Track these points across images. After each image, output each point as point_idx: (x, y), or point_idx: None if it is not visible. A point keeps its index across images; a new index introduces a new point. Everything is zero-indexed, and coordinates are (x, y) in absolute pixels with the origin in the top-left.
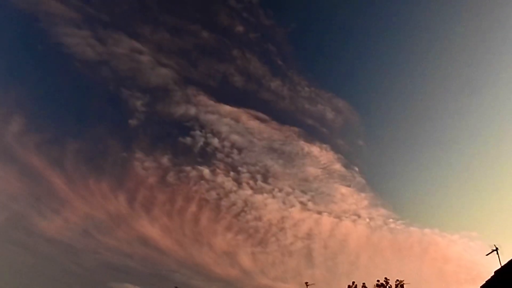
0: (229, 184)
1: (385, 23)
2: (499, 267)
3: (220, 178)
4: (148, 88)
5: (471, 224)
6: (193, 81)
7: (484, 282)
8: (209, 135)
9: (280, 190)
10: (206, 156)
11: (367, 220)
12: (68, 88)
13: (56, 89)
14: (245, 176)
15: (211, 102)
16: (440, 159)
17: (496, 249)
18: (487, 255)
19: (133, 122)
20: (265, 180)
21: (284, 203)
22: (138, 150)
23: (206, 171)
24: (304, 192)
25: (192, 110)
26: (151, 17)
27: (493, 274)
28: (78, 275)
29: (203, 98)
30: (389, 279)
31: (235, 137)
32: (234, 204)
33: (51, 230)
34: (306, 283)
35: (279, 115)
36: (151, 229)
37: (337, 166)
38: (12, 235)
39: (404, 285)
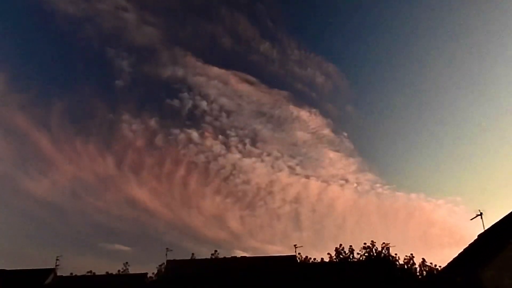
0: (217, 147)
1: None
2: (483, 231)
3: (209, 142)
4: (134, 47)
5: (456, 190)
6: (181, 42)
7: (467, 245)
8: (197, 97)
9: (269, 154)
10: (194, 119)
11: (355, 185)
12: (51, 46)
13: (39, 47)
14: (233, 139)
15: (199, 64)
16: (426, 126)
17: (480, 214)
18: (471, 219)
19: (119, 83)
20: (253, 144)
21: (272, 167)
22: (125, 112)
23: (194, 134)
24: (292, 156)
25: (180, 72)
26: None
27: (476, 237)
28: (67, 236)
29: (191, 60)
30: (375, 242)
31: (223, 100)
32: (222, 167)
33: (39, 191)
34: (295, 245)
35: (268, 79)
36: (140, 192)
37: (326, 131)
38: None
39: (390, 248)
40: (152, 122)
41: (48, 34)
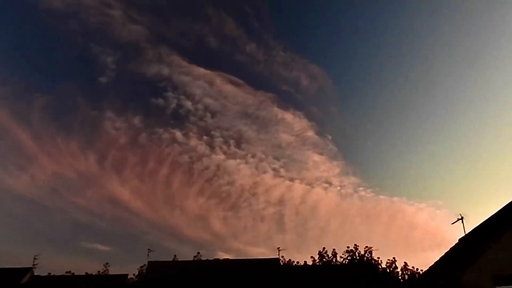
0: (202, 148)
1: None
2: (463, 235)
3: (193, 142)
4: (119, 44)
5: (438, 193)
6: (166, 40)
7: (448, 248)
8: (182, 97)
9: (253, 156)
10: (179, 119)
11: (338, 187)
12: (34, 40)
13: (21, 40)
14: (218, 140)
15: (185, 63)
16: (409, 130)
17: (462, 218)
18: (452, 223)
19: (103, 79)
20: (238, 145)
21: (256, 168)
22: (108, 109)
23: (178, 133)
24: (277, 158)
25: (165, 71)
26: None
27: (457, 241)
28: (47, 233)
29: (176, 59)
30: (358, 246)
31: (208, 101)
32: (206, 168)
33: (18, 187)
34: (278, 248)
35: (254, 80)
36: (122, 190)
37: (310, 133)
38: None
39: (373, 252)
40: (136, 120)
41: (32, 27)
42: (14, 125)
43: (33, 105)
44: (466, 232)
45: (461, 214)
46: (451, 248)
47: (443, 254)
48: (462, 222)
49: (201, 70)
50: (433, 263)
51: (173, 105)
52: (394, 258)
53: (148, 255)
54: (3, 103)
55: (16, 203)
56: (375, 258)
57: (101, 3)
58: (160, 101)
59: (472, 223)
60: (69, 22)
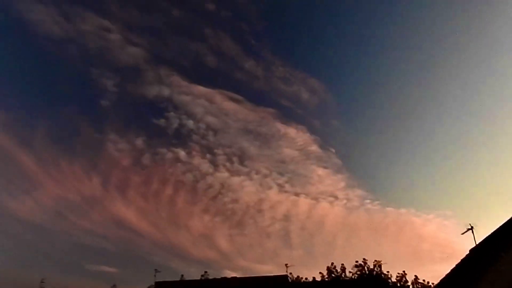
0: (205, 166)
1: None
2: (474, 245)
3: (196, 160)
4: (118, 67)
5: (445, 203)
6: (165, 61)
7: (459, 260)
8: (183, 116)
9: (257, 172)
10: (181, 138)
11: (344, 201)
12: (35, 67)
13: (23, 67)
14: (221, 158)
15: (185, 83)
16: (414, 139)
17: (471, 228)
18: (462, 234)
19: (104, 102)
20: (241, 162)
21: (261, 185)
22: (110, 132)
23: (181, 153)
24: (281, 174)
25: (165, 91)
26: None
27: (468, 252)
28: (52, 257)
29: (176, 79)
30: (367, 260)
31: (210, 119)
32: (210, 186)
33: (23, 211)
34: (286, 264)
35: (254, 96)
36: (127, 212)
37: (314, 148)
38: None
39: (382, 265)
40: (139, 141)
41: (32, 54)
42: (18, 150)
43: (36, 129)
44: (477, 243)
45: (471, 223)
46: (462, 260)
47: (454, 266)
48: (472, 232)
49: (201, 89)
50: (444, 275)
51: (175, 124)
52: (404, 271)
53: (155, 275)
54: (7, 128)
55: (22, 227)
56: (385, 272)
57: (99, 28)
58: (162, 121)
59: (482, 233)
60: (68, 48)
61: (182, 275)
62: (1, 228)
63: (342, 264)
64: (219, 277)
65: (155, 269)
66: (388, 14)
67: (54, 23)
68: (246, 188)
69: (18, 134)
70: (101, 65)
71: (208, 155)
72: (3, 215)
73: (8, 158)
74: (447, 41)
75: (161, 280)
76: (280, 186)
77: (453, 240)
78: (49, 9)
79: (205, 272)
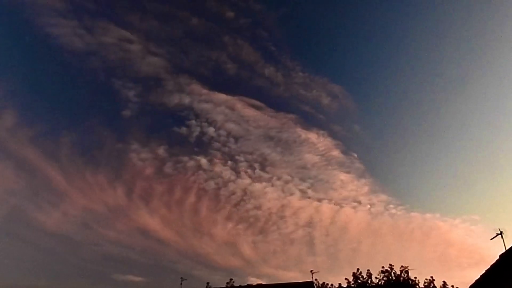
0: (227, 173)
1: (379, 6)
2: (504, 250)
3: (218, 168)
4: (139, 77)
5: (472, 207)
6: (185, 70)
7: (488, 266)
8: (204, 124)
9: (279, 178)
10: (202, 146)
11: (368, 206)
12: (58, 80)
13: (46, 81)
14: (242, 165)
15: (205, 91)
16: (438, 142)
17: (501, 233)
18: (491, 239)
19: (126, 113)
20: (263, 168)
21: (283, 191)
22: (133, 141)
23: (203, 160)
24: (303, 179)
25: (186, 99)
26: (138, 5)
27: (498, 257)
28: (80, 267)
29: (196, 87)
30: (393, 265)
31: (231, 126)
32: (233, 193)
33: (50, 223)
34: (311, 271)
35: (274, 102)
36: (151, 221)
37: (336, 153)
38: (12, 229)
39: (409, 271)
40: (161, 150)
41: (55, 68)
42: (44, 163)
43: (61, 142)
44: (507, 248)
45: (500, 229)
46: (492, 265)
47: (483, 272)
48: (502, 237)
49: (222, 96)
50: (473, 281)
51: (196, 132)
52: (432, 277)
53: (181, 284)
54: (33, 142)
55: (49, 238)
56: (412, 278)
57: (120, 39)
58: (183, 129)
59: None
60: (90, 60)
61: (208, 283)
62: (30, 240)
63: (368, 270)
64: (245, 285)
65: (181, 278)
66: (410, 19)
67: (76, 36)
68: (269, 195)
69: (44, 147)
70: (123, 76)
71: (229, 162)
72: (32, 228)
73: (35, 171)
74: (475, 46)
75: None
76: (303, 192)
77: (481, 245)
78: (70, 22)
79: (231, 279)
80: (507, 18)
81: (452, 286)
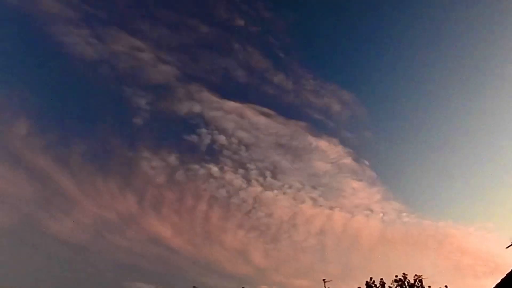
0: (238, 181)
1: (387, 11)
2: None
3: (229, 176)
4: (150, 85)
5: (486, 215)
6: (196, 77)
7: (504, 275)
8: (215, 132)
9: (290, 186)
10: (213, 154)
11: (380, 214)
12: (70, 88)
13: (58, 89)
14: (253, 173)
15: (215, 99)
16: (451, 149)
17: None
18: (507, 248)
19: (137, 120)
20: (274, 176)
21: (294, 199)
22: (144, 149)
23: (214, 168)
24: (314, 187)
25: (197, 107)
26: (148, 13)
27: None
28: (91, 275)
29: (207, 95)
30: (407, 274)
31: (241, 134)
32: (244, 201)
33: (63, 231)
34: (324, 279)
35: (285, 110)
36: (162, 228)
37: (347, 160)
38: (24, 237)
39: (423, 280)
40: (172, 158)
41: (67, 76)
42: (56, 171)
43: (73, 150)
44: None
45: None
46: (507, 275)
47: (498, 281)
48: None
49: (232, 104)
50: None
51: (207, 140)
52: (446, 286)
53: None
54: (45, 150)
55: (61, 247)
56: (426, 286)
57: (131, 47)
58: (194, 137)
59: None
60: (101, 69)
61: None
62: (42, 248)
63: (381, 279)
64: None
65: (194, 286)
66: (422, 26)
67: (87, 45)
68: (280, 203)
69: (55, 155)
70: (133, 84)
71: (240, 170)
72: (44, 236)
73: (48, 180)
74: (488, 50)
75: None
76: (314, 200)
77: (497, 253)
78: (82, 31)
79: (243, 287)
80: None
81: None
